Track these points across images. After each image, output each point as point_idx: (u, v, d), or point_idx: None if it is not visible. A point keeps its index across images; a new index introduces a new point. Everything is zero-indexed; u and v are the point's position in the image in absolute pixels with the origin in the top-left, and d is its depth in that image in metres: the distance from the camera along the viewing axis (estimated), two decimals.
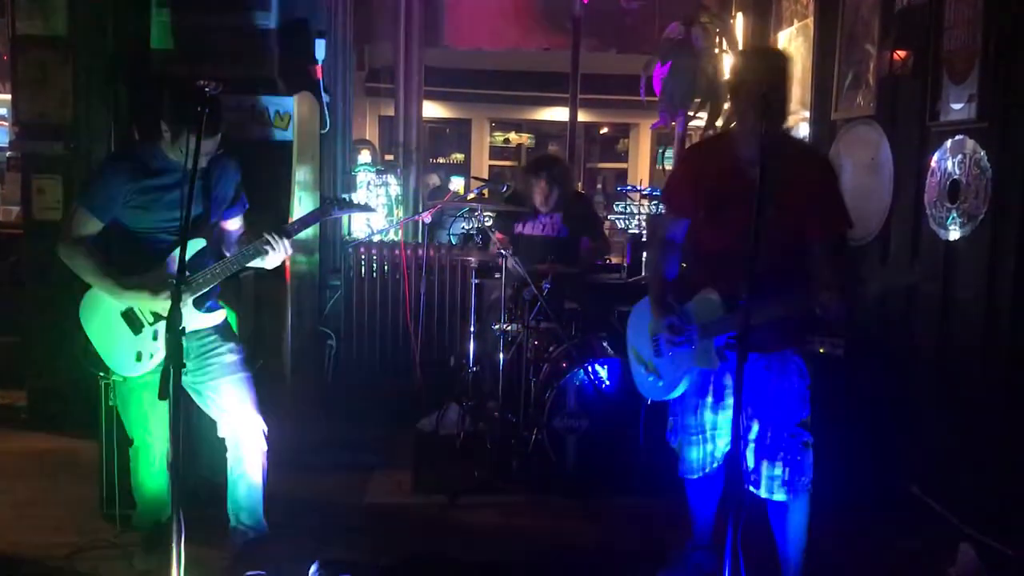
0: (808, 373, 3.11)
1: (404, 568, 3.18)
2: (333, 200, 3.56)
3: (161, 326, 3.25)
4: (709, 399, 3.23)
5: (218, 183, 3.43)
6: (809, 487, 3.07)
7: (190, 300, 3.30)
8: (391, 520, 4.13)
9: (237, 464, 3.45)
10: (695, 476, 3.31)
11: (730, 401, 3.17)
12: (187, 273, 3.17)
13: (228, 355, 3.44)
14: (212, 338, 3.43)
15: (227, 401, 3.40)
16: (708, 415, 3.24)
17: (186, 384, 3.27)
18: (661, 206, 3.31)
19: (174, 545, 2.56)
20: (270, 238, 3.27)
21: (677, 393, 3.27)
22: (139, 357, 3.31)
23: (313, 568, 3.09)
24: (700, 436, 3.26)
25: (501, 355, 4.60)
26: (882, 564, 3.72)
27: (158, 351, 3.29)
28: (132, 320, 3.32)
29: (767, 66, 2.95)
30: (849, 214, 3.02)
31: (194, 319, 3.34)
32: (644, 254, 5.92)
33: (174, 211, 3.23)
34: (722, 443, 3.22)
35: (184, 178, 3.14)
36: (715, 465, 3.25)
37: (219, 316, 3.45)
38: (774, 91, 2.79)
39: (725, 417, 3.21)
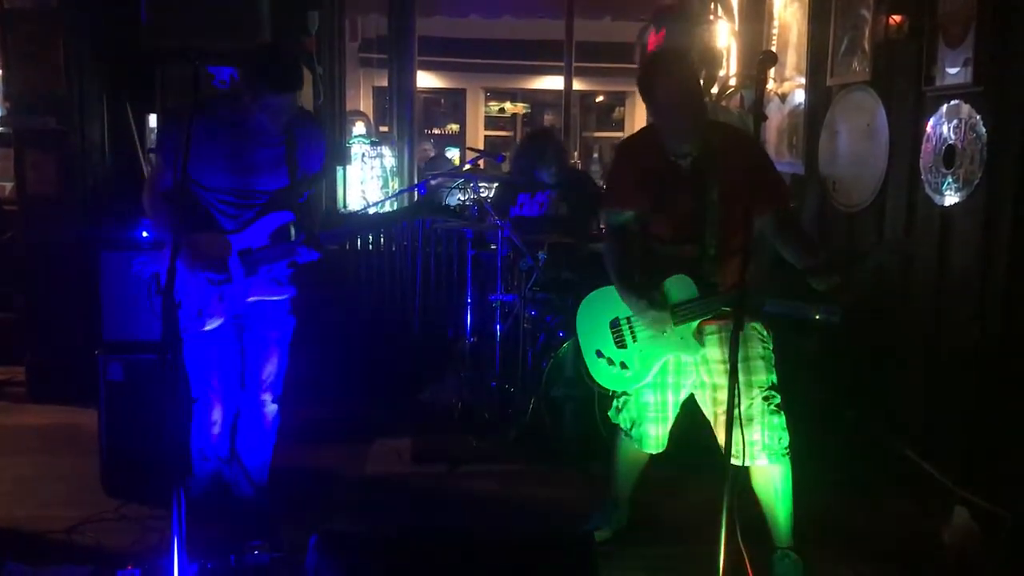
0: (769, 338, 3.21)
1: (405, 537, 3.20)
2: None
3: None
4: (669, 379, 3.30)
5: (304, 152, 3.31)
6: (788, 449, 3.13)
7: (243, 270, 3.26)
8: (391, 490, 4.16)
9: (242, 436, 3.47)
10: (653, 452, 3.40)
11: (686, 380, 3.28)
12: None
13: (271, 331, 3.43)
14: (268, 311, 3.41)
15: (246, 371, 3.42)
16: (667, 394, 3.31)
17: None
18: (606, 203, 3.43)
19: (175, 517, 2.58)
20: (300, 248, 3.26)
21: (648, 380, 3.31)
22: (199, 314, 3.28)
23: (313, 539, 3.11)
24: (659, 415, 3.34)
25: (498, 325, 4.60)
26: (875, 527, 3.75)
27: None
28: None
29: (677, 71, 3.08)
30: (787, 187, 3.17)
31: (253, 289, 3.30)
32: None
33: (247, 176, 3.19)
34: (670, 424, 3.35)
35: (264, 136, 3.15)
36: (664, 444, 3.37)
37: (282, 293, 3.38)
38: (694, 94, 3.06)
39: (679, 397, 3.32)
